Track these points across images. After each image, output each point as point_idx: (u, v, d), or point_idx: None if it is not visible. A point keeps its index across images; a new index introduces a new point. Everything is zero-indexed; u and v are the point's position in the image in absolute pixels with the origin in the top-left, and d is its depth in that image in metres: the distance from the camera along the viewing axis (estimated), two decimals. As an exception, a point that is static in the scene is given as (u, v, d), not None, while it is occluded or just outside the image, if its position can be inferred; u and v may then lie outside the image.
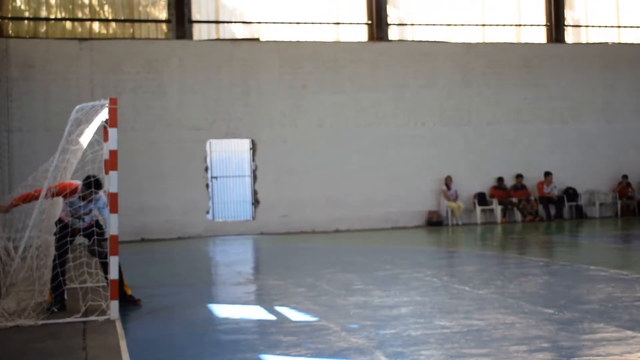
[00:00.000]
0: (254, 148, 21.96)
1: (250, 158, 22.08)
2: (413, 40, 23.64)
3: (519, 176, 23.62)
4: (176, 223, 21.02)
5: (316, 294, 10.39)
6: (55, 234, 9.62)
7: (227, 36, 22.48)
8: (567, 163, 24.15)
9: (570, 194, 24.17)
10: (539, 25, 24.82)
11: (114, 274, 8.91)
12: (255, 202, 21.94)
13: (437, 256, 15.81)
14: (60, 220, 9.69)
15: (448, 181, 22.93)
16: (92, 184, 9.46)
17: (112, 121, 8.97)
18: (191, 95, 21.47)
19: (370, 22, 23.22)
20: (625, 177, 24.45)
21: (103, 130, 9.38)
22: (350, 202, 22.25)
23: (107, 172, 9.13)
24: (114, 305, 8.86)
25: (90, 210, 9.76)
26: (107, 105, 9.10)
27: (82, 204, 9.63)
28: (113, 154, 8.95)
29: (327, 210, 22.05)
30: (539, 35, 24.90)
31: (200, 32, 22.26)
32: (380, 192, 22.46)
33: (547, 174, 23.73)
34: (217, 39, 22.27)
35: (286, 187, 21.92)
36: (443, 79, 23.34)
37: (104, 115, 9.29)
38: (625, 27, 25.55)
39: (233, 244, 19.31)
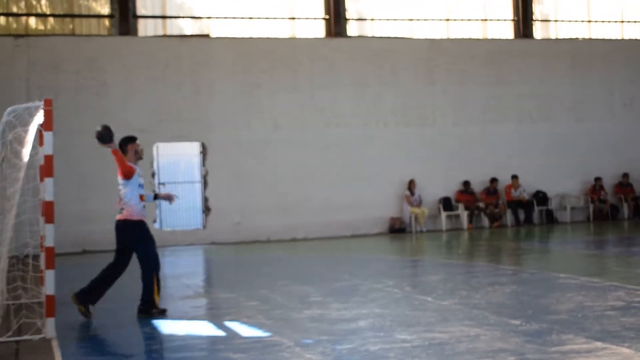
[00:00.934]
0: (204, 152, 21.86)
1: (200, 162, 21.98)
2: (373, 36, 23.74)
3: (494, 180, 23.72)
4: (121, 233, 20.76)
5: (269, 307, 10.36)
6: (144, 240, 9.95)
7: (175, 32, 22.37)
8: (536, 165, 24.35)
9: (540, 197, 24.40)
10: (506, 20, 25.07)
11: (50, 289, 8.79)
12: (206, 209, 21.84)
13: (400, 265, 15.86)
14: (140, 222, 9.97)
15: (411, 185, 23.01)
16: (129, 138, 10.14)
17: (47, 124, 8.87)
18: (136, 96, 21.31)
19: (327, 17, 23.26)
20: (598, 179, 24.69)
21: (38, 134, 9.28)
22: (307, 209, 22.23)
23: (42, 179, 9.04)
24: (51, 323, 8.73)
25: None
26: (42, 107, 9.00)
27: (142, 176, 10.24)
28: (48, 159, 8.86)
29: (283, 217, 22.00)
30: (506, 31, 25.13)
31: (145, 28, 22.12)
32: (340, 197, 22.45)
33: (514, 177, 23.91)
34: (164, 35, 22.16)
35: (239, 194, 21.84)
36: (405, 77, 23.43)
37: (39, 117, 9.20)
38: (596, 22, 25.89)
39: (182, 255, 19.19)
